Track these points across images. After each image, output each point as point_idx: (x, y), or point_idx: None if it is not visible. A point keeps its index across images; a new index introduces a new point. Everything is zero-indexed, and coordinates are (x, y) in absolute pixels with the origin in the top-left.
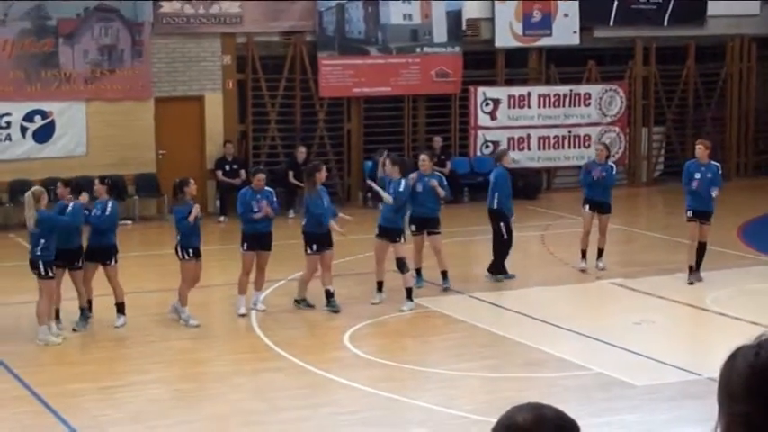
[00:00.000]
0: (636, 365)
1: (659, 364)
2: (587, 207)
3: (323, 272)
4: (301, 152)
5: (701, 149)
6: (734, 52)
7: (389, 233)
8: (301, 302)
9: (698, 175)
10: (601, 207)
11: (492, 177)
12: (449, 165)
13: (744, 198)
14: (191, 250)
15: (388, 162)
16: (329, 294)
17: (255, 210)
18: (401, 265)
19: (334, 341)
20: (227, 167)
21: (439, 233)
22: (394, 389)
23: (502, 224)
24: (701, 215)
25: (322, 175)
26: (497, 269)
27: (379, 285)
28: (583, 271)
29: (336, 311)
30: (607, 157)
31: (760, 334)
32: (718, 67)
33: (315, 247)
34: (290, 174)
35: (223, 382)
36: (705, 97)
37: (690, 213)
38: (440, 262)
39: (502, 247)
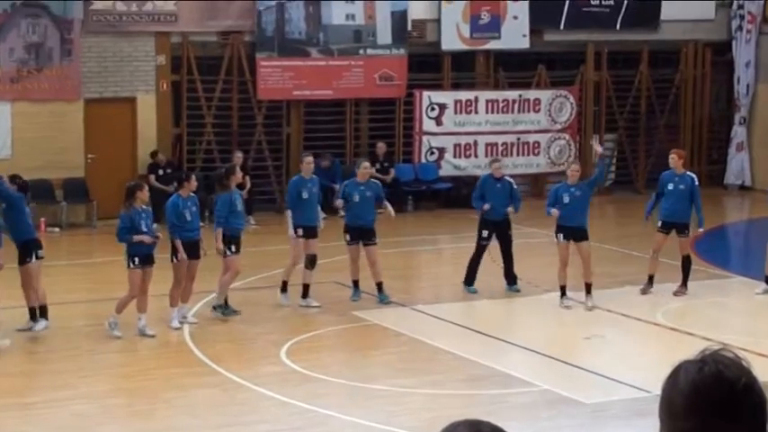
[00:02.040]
0: (584, 382)
1: (608, 381)
2: (561, 236)
3: (231, 275)
4: (238, 157)
5: (674, 159)
6: (688, 58)
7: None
8: (221, 308)
9: (671, 186)
10: (577, 234)
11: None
12: (392, 172)
13: None
14: (136, 258)
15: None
16: (227, 302)
17: (189, 218)
18: (312, 261)
19: (271, 356)
20: (161, 172)
21: (375, 244)
22: (332, 405)
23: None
24: (677, 227)
25: (237, 177)
26: (513, 279)
27: (284, 286)
28: (567, 308)
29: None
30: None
31: (703, 348)
32: (672, 73)
33: (233, 248)
34: None
35: (154, 398)
36: (658, 104)
37: (659, 223)
38: (374, 274)
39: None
